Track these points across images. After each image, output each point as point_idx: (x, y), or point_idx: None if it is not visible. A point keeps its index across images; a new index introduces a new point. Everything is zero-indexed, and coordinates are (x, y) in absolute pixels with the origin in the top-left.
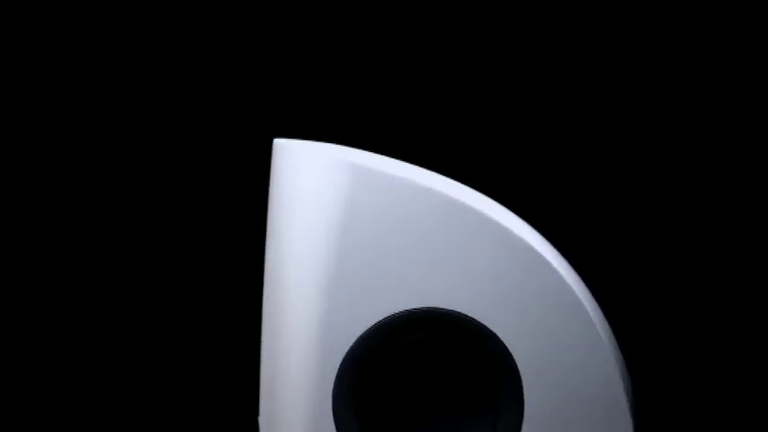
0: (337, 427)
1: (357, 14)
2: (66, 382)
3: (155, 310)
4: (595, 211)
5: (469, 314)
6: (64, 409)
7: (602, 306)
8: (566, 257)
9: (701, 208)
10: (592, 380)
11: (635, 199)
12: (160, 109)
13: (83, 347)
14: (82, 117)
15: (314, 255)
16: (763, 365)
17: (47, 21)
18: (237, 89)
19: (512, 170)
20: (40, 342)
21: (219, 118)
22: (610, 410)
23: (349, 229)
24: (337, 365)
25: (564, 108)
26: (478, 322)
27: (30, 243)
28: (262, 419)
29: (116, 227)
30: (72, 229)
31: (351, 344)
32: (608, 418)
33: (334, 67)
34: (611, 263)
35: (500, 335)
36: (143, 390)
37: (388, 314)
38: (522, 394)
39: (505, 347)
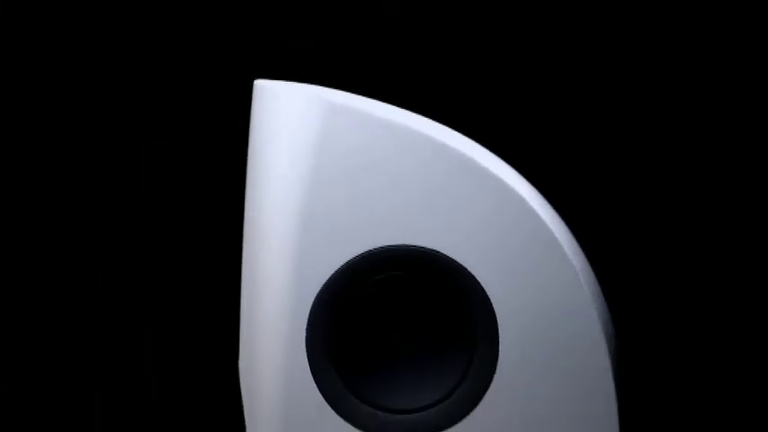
0: (311, 364)
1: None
2: (51, 372)
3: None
4: (582, 153)
5: (445, 252)
6: (58, 407)
7: (589, 254)
8: (552, 201)
9: (691, 150)
10: (569, 321)
11: (623, 140)
12: (160, 112)
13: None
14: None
15: (289, 192)
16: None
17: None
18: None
19: (496, 113)
20: (35, 340)
21: (218, 115)
22: (587, 352)
23: (323, 165)
24: (310, 302)
25: (545, 47)
26: (453, 260)
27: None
28: (242, 362)
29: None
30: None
31: (324, 281)
32: (585, 358)
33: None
34: (597, 209)
35: (475, 273)
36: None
37: (363, 251)
38: (497, 333)
39: (480, 286)
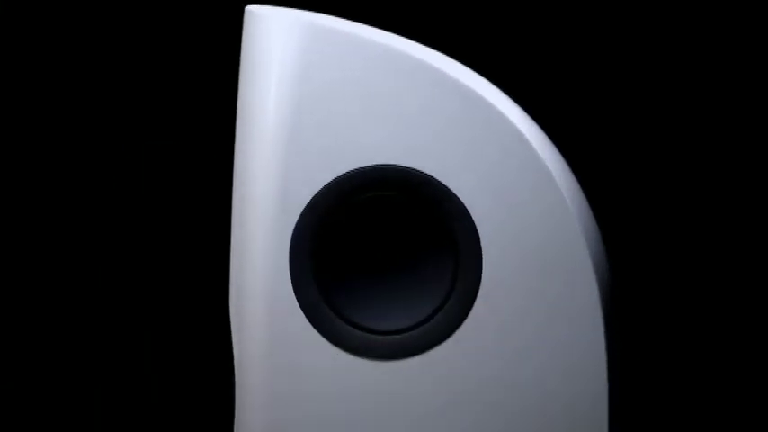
0: (294, 283)
1: None
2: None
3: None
4: (579, 79)
5: (429, 173)
6: (58, 407)
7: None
8: (545, 129)
9: (688, 87)
10: (554, 243)
11: (619, 66)
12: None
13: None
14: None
15: (275, 113)
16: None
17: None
18: None
19: (484, 38)
20: (35, 340)
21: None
22: (573, 275)
23: (309, 86)
24: (295, 220)
25: None
26: (438, 181)
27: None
28: (231, 298)
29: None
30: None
31: (308, 200)
32: (571, 282)
33: None
34: (592, 136)
35: (460, 195)
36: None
37: (348, 171)
38: (480, 255)
39: (464, 207)
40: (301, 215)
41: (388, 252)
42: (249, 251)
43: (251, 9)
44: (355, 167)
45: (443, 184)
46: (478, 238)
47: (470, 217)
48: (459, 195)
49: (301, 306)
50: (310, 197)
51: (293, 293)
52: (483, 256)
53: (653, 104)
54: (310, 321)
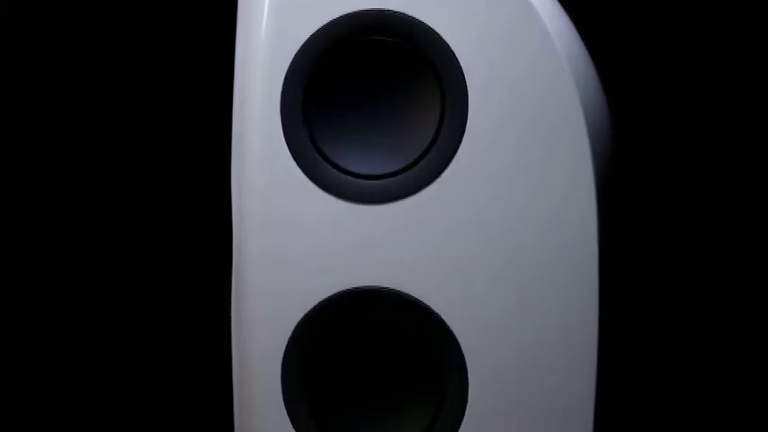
0: (284, 127)
1: None
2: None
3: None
4: None
5: (415, 16)
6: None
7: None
8: None
9: None
10: (542, 86)
11: None
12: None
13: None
14: None
15: None
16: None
17: None
18: None
19: None
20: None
21: None
22: (562, 117)
23: None
24: (287, 64)
25: None
26: (426, 24)
27: None
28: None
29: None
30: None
31: (301, 44)
32: (559, 124)
33: None
34: None
35: (447, 39)
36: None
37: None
38: (466, 98)
39: (451, 50)
40: (292, 62)
41: (376, 96)
42: (245, 87)
43: None
44: (344, 13)
45: (430, 27)
46: (464, 82)
47: (457, 60)
48: (445, 39)
49: (289, 148)
50: (300, 44)
51: (282, 135)
52: (469, 99)
53: None
54: (297, 164)
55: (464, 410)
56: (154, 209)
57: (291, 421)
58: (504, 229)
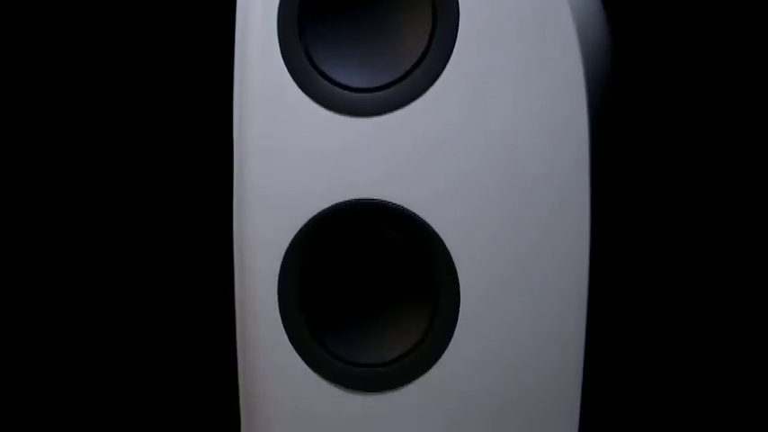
0: (280, 42)
1: None
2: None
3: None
4: None
5: None
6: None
7: None
8: None
9: None
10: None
11: None
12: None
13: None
14: None
15: None
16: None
17: None
18: None
19: None
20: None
21: None
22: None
23: None
24: None
25: None
26: None
27: None
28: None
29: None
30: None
31: None
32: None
33: None
34: None
35: None
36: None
37: None
38: (457, 11)
39: None
40: None
41: (369, 13)
42: (246, 23)
43: None
44: None
45: None
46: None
47: None
48: None
49: (287, 66)
50: None
51: (280, 55)
52: (460, 12)
53: None
54: (295, 81)
55: (456, 321)
56: (153, 204)
57: (287, 333)
58: (495, 141)
